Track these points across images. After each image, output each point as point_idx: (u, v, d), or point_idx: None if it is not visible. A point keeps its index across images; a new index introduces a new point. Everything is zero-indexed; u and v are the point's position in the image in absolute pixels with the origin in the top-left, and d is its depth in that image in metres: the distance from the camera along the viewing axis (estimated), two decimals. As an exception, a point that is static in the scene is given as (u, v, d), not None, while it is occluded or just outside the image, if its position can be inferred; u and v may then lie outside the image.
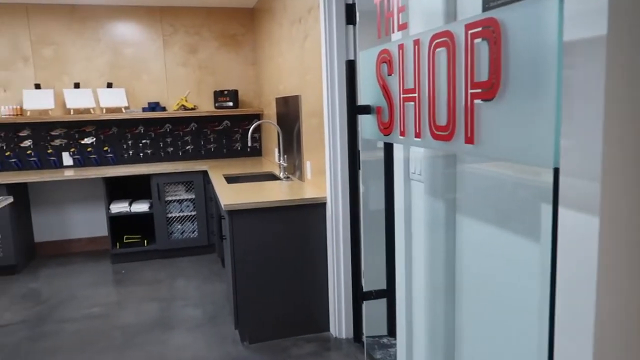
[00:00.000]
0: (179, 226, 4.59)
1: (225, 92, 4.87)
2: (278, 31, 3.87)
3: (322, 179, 2.93)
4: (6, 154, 4.56)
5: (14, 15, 4.44)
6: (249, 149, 5.06)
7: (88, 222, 4.88)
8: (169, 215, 4.53)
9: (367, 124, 1.52)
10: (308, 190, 3.09)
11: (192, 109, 4.83)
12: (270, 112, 4.49)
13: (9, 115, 4.41)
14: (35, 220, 4.74)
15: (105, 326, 3.17)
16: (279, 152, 3.84)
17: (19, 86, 4.51)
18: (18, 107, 4.45)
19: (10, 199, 3.34)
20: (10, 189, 4.21)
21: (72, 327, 3.18)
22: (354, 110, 1.49)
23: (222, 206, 2.76)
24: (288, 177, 3.55)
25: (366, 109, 1.49)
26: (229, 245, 2.80)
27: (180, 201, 4.57)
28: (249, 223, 2.78)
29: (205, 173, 4.49)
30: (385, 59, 1.36)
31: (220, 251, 4.09)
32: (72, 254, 4.80)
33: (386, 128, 1.40)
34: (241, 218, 2.76)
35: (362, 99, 1.54)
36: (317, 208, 2.87)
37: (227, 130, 5.08)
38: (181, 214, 4.57)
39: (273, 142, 4.44)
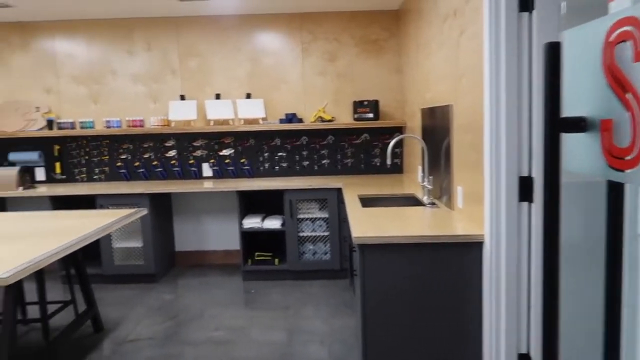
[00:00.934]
0: (310, 246, 4.27)
1: (365, 103, 4.45)
2: (426, 31, 3.33)
3: (477, 209, 2.32)
4: (153, 163, 4.70)
5: (166, 29, 4.56)
6: (389, 166, 4.57)
7: (223, 235, 4.83)
8: (301, 234, 4.24)
9: (577, 150, 0.93)
10: (459, 223, 2.49)
11: (329, 120, 4.50)
12: (414, 124, 3.95)
13: (157, 125, 4.53)
14: (176, 229, 4.83)
15: (224, 357, 2.92)
16: (423, 171, 3.28)
17: (167, 98, 4.63)
18: (165, 118, 4.56)
19: (144, 211, 3.30)
20: (155, 198, 4.30)
21: (193, 352, 2.99)
22: (556, 125, 0.91)
23: (353, 238, 2.31)
24: (433, 203, 2.97)
25: (578, 124, 0.90)
26: (359, 283, 2.33)
27: (313, 219, 4.25)
28: (384, 260, 2.28)
29: (339, 191, 4.11)
30: (627, 36, 0.77)
31: (353, 279, 3.66)
32: (208, 266, 4.78)
33: (622, 158, 0.81)
34: (375, 253, 2.28)
35: (567, 108, 0.96)
36: (470, 248, 2.26)
37: (365, 144, 4.66)
38: (313, 234, 4.25)
39: (416, 159, 3.89)
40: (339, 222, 4.16)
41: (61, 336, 2.96)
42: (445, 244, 2.26)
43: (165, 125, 4.55)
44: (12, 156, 4.61)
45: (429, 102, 3.33)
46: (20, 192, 4.20)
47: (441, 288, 2.29)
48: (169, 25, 4.56)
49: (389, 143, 4.50)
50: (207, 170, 4.72)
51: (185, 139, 4.69)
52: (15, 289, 2.29)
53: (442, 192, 2.98)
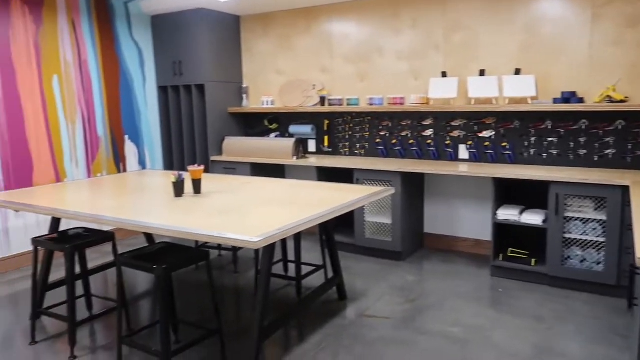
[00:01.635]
0: (578, 252, 3.59)
1: (679, 78, 3.41)
2: None
3: None
4: (409, 142, 4.67)
5: (432, 4, 4.39)
6: None
7: (475, 223, 4.50)
8: (567, 235, 3.60)
9: None
10: None
11: (620, 101, 3.63)
12: None
13: (416, 104, 4.46)
14: (427, 211, 4.73)
15: (458, 356, 2.70)
16: None
17: (428, 75, 4.49)
18: (425, 96, 4.44)
19: (392, 190, 3.27)
20: (408, 177, 4.27)
21: (426, 343, 2.86)
22: None
23: (637, 258, 1.75)
24: None
25: None
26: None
27: (584, 220, 3.55)
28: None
29: (625, 190, 3.30)
30: None
31: (631, 300, 2.92)
32: (456, 253, 4.55)
33: None
34: (669, 284, 1.68)
35: None
36: None
37: (672, 132, 3.61)
38: (584, 237, 3.55)
39: None
40: (622, 228, 3.36)
41: (310, 297, 3.21)
42: None
43: (424, 103, 4.44)
44: (292, 129, 5.23)
45: None
46: (294, 161, 4.73)
47: None
48: (435, 1, 4.38)
49: None
50: (463, 152, 4.43)
51: (443, 118, 4.49)
52: (270, 249, 2.54)
53: None
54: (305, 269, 3.79)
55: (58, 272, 3.88)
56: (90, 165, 4.80)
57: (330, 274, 3.50)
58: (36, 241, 2.88)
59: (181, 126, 5.43)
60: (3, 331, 3.07)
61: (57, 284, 3.21)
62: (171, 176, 3.03)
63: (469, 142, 4.38)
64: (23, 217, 4.28)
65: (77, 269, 3.30)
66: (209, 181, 3.58)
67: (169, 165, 5.56)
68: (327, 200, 2.85)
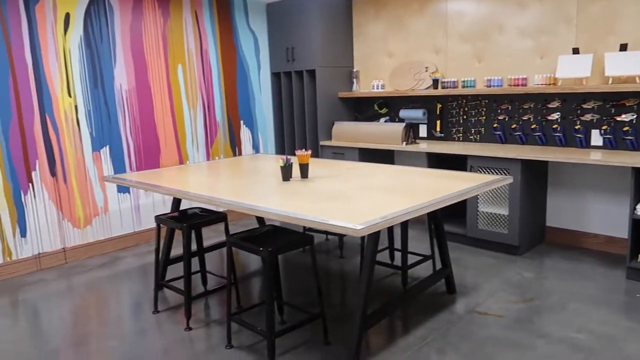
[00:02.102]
0: None
1: None
2: None
3: None
4: (532, 126, 4.27)
5: (565, -29, 3.93)
6: None
7: (607, 218, 4.00)
8: None
9: None
10: None
11: None
12: None
13: (541, 85, 4.05)
14: (550, 202, 4.31)
15: (583, 367, 2.42)
16: None
17: (556, 52, 4.05)
18: (551, 75, 4.02)
19: (510, 179, 3.01)
20: (529, 165, 3.92)
21: (545, 348, 2.60)
22: None
23: None
24: None
25: None
26: None
27: None
28: None
29: None
30: None
31: None
32: (583, 250, 4.10)
33: None
34: None
35: None
36: None
37: None
38: None
39: None
40: None
41: (417, 287, 3.10)
42: None
43: (550, 84, 4.01)
44: (402, 113, 5.07)
45: None
46: (404, 146, 4.59)
47: None
48: (570, -34, 3.90)
49: None
50: (596, 138, 3.95)
51: (573, 100, 4.03)
52: (374, 237, 2.47)
53: None
54: (412, 259, 3.68)
55: (179, 248, 4.20)
56: (210, 148, 5.11)
57: (439, 266, 3.34)
58: (158, 219, 3.12)
59: (292, 112, 5.54)
60: (131, 299, 3.40)
61: (177, 259, 3.47)
62: (280, 160, 3.09)
63: (604, 127, 3.88)
64: (151, 195, 4.69)
65: (195, 246, 3.54)
66: (316, 166, 3.60)
67: (280, 149, 5.72)
68: (436, 188, 2.70)
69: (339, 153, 5.09)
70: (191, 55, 4.87)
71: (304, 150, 3.17)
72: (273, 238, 2.59)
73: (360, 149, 4.92)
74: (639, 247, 3.54)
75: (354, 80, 5.44)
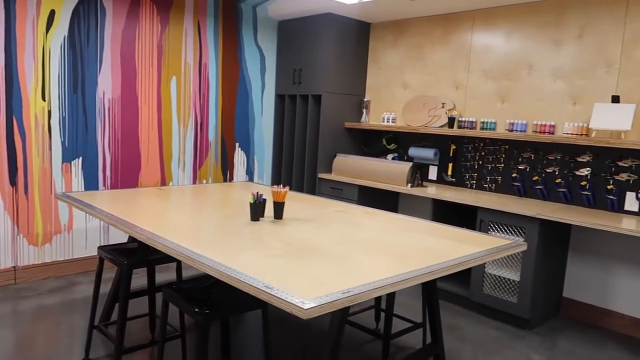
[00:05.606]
0: None
1: None
2: None
3: None
4: (557, 181, 3.72)
5: (609, 6, 3.43)
6: None
7: (637, 297, 3.40)
8: None
9: None
10: None
11: None
12: None
13: (571, 134, 3.52)
14: (569, 270, 3.72)
15: None
16: None
17: (592, 99, 3.53)
18: (584, 125, 3.49)
19: (524, 247, 2.47)
20: (549, 225, 3.36)
21: None
22: None
23: None
24: None
25: None
26: None
27: None
28: None
29: None
30: None
31: None
32: (605, 331, 3.49)
33: None
34: None
35: None
36: None
37: None
38: None
39: None
40: None
41: (399, 364, 2.55)
42: None
43: (582, 134, 3.48)
44: (412, 151, 4.57)
45: None
46: (408, 189, 4.07)
47: None
48: (615, 3, 3.40)
49: None
50: (631, 202, 3.38)
51: (607, 156, 3.48)
52: (342, 312, 1.96)
53: None
54: (400, 324, 3.13)
55: (142, 279, 3.74)
56: (197, 170, 4.68)
57: (430, 339, 2.79)
58: (101, 250, 2.67)
59: (293, 138, 5.10)
60: (68, 338, 2.93)
61: (137, 293, 2.99)
62: (250, 196, 2.62)
63: (642, 191, 3.32)
64: (127, 215, 4.26)
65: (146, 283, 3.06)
66: (298, 203, 3.12)
67: (276, 177, 5.26)
68: (434, 251, 2.18)
69: (337, 189, 4.60)
70: (188, 67, 4.49)
71: (281, 186, 2.69)
72: (219, 294, 2.10)
73: (361, 187, 4.42)
74: (676, 341, 2.93)
75: (364, 110, 4.98)
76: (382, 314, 3.38)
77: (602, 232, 3.55)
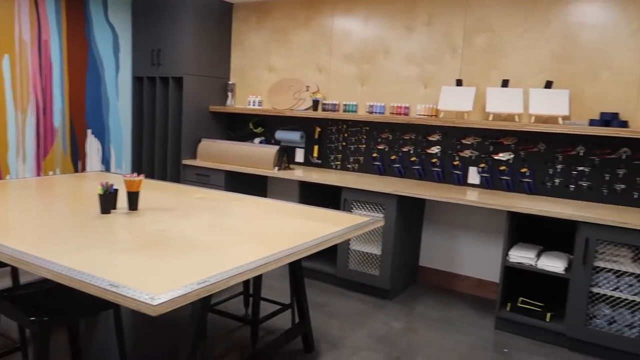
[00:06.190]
0: (606, 310, 2.89)
1: None
2: None
3: None
4: (411, 159, 3.99)
5: (452, 1, 3.72)
6: None
7: (480, 261, 3.81)
8: (595, 289, 2.90)
9: None
10: None
11: (674, 129, 2.93)
12: None
13: (423, 115, 3.79)
14: (424, 241, 4.04)
15: None
16: None
17: (440, 82, 3.82)
18: (434, 106, 3.77)
19: (381, 222, 2.60)
20: (406, 201, 3.60)
21: None
22: None
23: None
24: None
25: None
26: None
27: (618, 273, 2.85)
28: None
29: (678, 243, 2.60)
30: None
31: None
32: (455, 293, 3.86)
33: None
34: None
35: None
36: None
37: None
38: (616, 294, 2.85)
39: None
40: (668, 290, 2.65)
41: (268, 347, 2.55)
42: None
43: (432, 115, 3.76)
44: (279, 134, 4.58)
45: None
46: (276, 172, 4.07)
47: None
48: (455, -7, 3.70)
49: None
50: (473, 176, 3.75)
51: (454, 134, 3.81)
52: (201, 302, 1.88)
53: None
54: (269, 307, 3.13)
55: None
56: (41, 161, 4.18)
57: (298, 318, 2.83)
58: None
59: (154, 123, 4.80)
60: None
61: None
62: (99, 186, 2.39)
63: (482, 165, 3.69)
64: None
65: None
66: (156, 192, 2.94)
67: (137, 166, 4.92)
68: (297, 232, 2.19)
69: (204, 175, 4.44)
70: (24, 45, 3.95)
71: (135, 174, 2.50)
72: (70, 296, 1.89)
73: (228, 172, 4.32)
74: (509, 295, 3.34)
75: (229, 93, 4.85)
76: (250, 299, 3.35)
77: (450, 204, 3.89)
